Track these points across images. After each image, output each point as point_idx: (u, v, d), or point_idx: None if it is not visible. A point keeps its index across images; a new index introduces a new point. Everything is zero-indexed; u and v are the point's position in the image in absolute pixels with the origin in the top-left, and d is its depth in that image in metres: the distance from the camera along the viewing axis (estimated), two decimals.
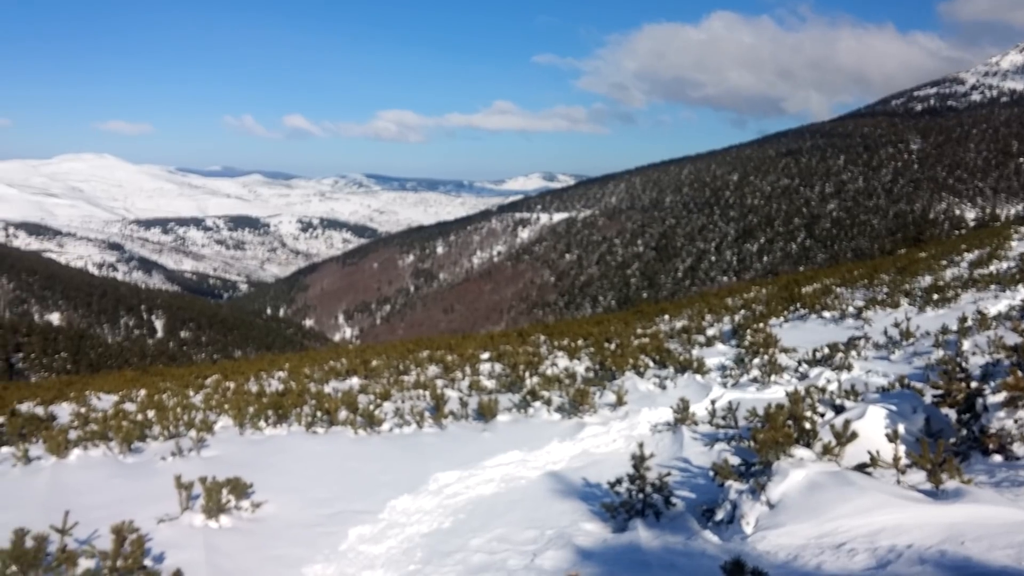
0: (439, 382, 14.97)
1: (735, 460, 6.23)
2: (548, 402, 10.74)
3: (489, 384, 13.98)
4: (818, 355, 12.36)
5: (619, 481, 6.07)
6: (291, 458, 8.74)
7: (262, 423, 10.70)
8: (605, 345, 17.65)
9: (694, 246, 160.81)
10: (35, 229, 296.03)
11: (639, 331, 20.63)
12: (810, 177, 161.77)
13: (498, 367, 16.61)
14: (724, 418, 8.60)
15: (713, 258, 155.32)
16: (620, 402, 10.29)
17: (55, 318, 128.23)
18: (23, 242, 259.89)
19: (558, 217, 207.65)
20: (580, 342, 19.25)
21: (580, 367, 15.11)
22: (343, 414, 10.68)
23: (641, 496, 5.84)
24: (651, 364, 14.01)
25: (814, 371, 11.30)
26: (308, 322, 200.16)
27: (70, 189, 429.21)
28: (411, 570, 5.58)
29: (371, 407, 10.92)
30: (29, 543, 4.65)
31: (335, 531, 6.36)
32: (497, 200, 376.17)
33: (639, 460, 5.91)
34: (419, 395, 13.30)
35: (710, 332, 17.94)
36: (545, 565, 5.22)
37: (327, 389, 15.20)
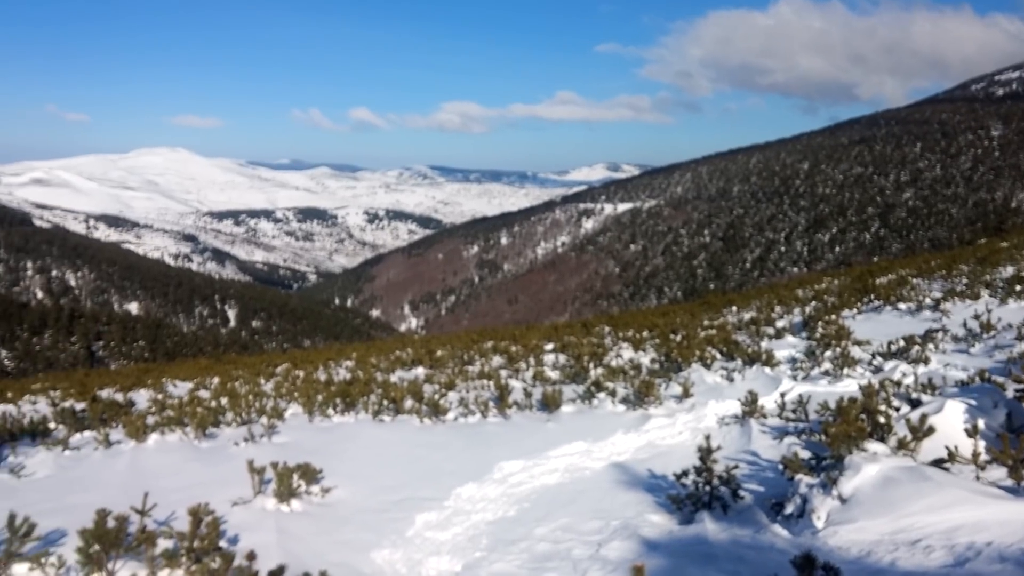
0: (503, 372, 15.03)
1: (805, 454, 6.11)
2: (613, 393, 10.69)
3: (553, 375, 13.98)
4: (893, 348, 12.00)
5: (685, 473, 6.02)
6: (359, 445, 8.89)
7: (330, 411, 10.92)
8: (671, 336, 17.47)
9: (763, 236, 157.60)
10: (114, 221, 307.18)
11: (706, 322, 20.36)
12: (884, 165, 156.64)
13: (562, 358, 16.59)
14: (794, 411, 8.42)
15: (783, 248, 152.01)
16: (686, 394, 10.18)
17: (133, 307, 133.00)
18: (103, 234, 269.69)
19: (623, 207, 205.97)
20: (645, 333, 19.09)
21: (645, 358, 14.99)
22: (409, 403, 10.83)
23: (708, 488, 5.79)
24: (718, 356, 13.81)
25: (889, 364, 10.98)
26: (374, 312, 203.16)
27: (146, 182, 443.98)
28: (476, 557, 5.63)
29: (436, 396, 11.04)
30: (111, 523, 4.84)
31: (402, 517, 6.46)
32: (561, 191, 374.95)
33: (706, 452, 5.85)
34: (483, 385, 13.38)
35: (780, 324, 17.59)
36: (610, 556, 5.22)
37: (393, 378, 15.41)
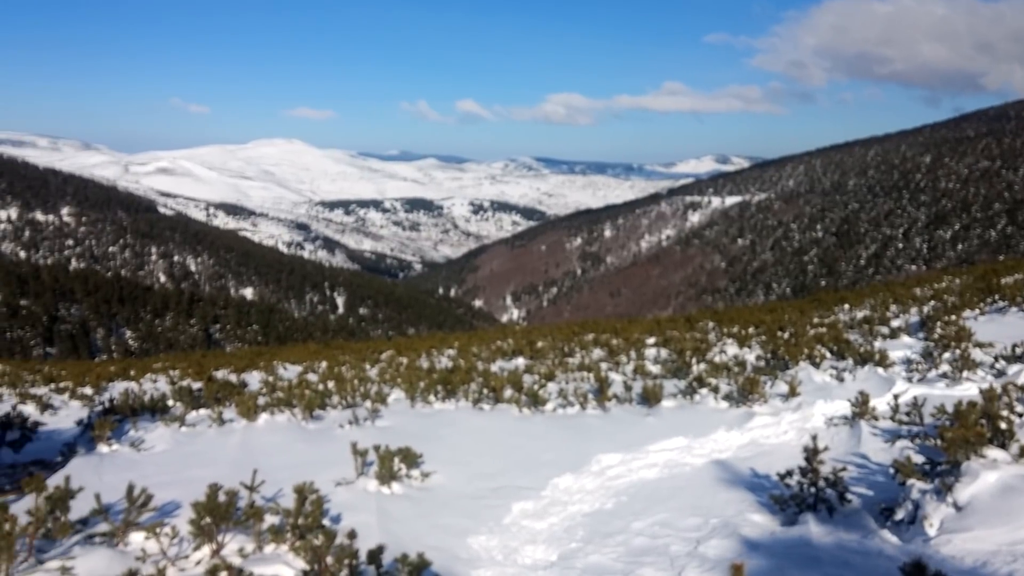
0: (603, 365, 14.92)
1: (919, 458, 5.79)
2: (715, 389, 10.44)
3: (654, 369, 13.77)
4: (1018, 351, 11.24)
5: (790, 473, 5.82)
6: (458, 432, 9.00)
7: (432, 397, 11.09)
8: (778, 334, 16.94)
9: (879, 232, 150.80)
10: (232, 209, 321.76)
11: (816, 320, 19.63)
12: (1014, 159, 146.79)
13: (664, 352, 16.34)
14: (908, 414, 8.00)
15: (900, 245, 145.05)
16: (793, 393, 9.84)
17: (248, 293, 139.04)
18: (221, 221, 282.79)
19: (731, 200, 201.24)
20: (751, 330, 18.58)
21: (750, 355, 14.58)
22: (508, 392, 10.88)
23: (813, 490, 5.57)
24: (828, 355, 13.29)
25: (1013, 368, 10.29)
26: (477, 302, 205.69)
27: (263, 172, 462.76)
28: (572, 548, 5.60)
29: (536, 387, 11.05)
30: (222, 498, 5.05)
31: (499, 505, 6.49)
32: (667, 183, 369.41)
33: (812, 453, 5.63)
34: (583, 377, 13.32)
35: (895, 323, 16.78)
36: (709, 553, 5.10)
37: (494, 368, 15.54)
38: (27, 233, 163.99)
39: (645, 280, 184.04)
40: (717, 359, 14.08)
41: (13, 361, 34.58)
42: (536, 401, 10.24)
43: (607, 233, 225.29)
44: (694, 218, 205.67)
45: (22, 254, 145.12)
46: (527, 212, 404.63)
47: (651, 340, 18.58)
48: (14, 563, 4.58)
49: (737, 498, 6.31)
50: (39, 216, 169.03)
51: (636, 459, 7.79)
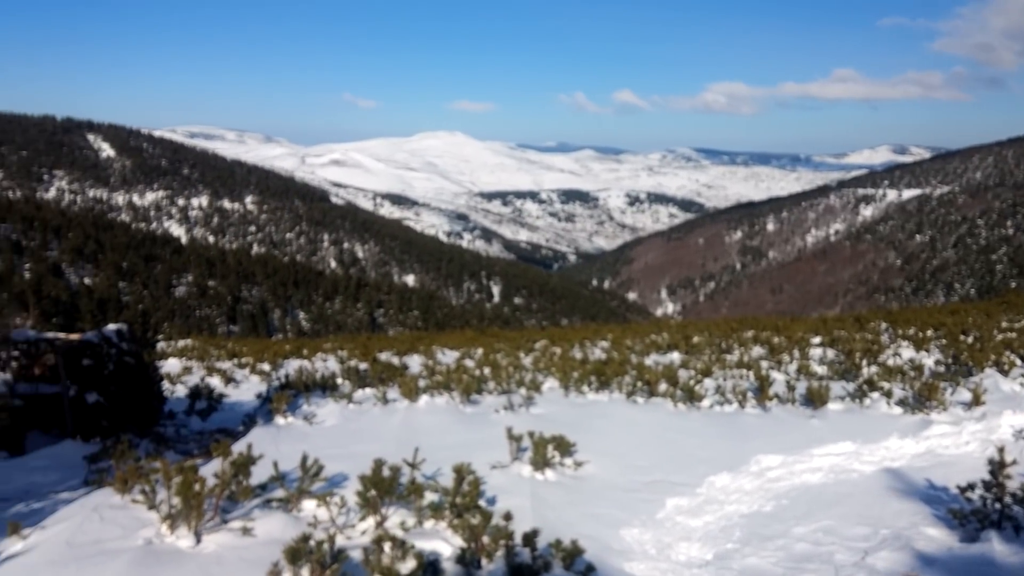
0: (764, 363, 14.40)
1: None
2: (888, 394, 9.82)
3: (819, 370, 13.14)
4: None
5: (971, 487, 5.40)
6: (611, 424, 8.96)
7: (585, 388, 11.10)
8: (961, 337, 15.72)
9: None
10: (397, 199, 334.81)
11: (1004, 324, 18.06)
12: None
13: (830, 353, 15.56)
14: None
15: None
16: (977, 401, 9.10)
17: (410, 279, 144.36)
18: (387, 211, 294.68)
19: (908, 194, 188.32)
20: (929, 332, 17.35)
21: (928, 359, 13.62)
22: (663, 387, 10.72)
23: (998, 506, 5.14)
24: (1018, 362, 12.20)
25: None
26: (631, 295, 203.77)
27: (426, 164, 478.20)
28: (728, 548, 5.45)
29: (691, 382, 10.82)
30: (386, 472, 5.29)
31: (653, 499, 6.42)
32: (837, 175, 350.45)
33: (998, 466, 5.19)
34: (741, 375, 12.91)
35: None
36: (878, 565, 4.82)
37: (648, 361, 15.35)
38: (215, 219, 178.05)
39: (810, 277, 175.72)
40: (890, 362, 13.26)
41: (201, 337, 37.69)
42: (692, 396, 10.03)
43: (770, 227, 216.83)
44: (866, 212, 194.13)
45: (211, 239, 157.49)
46: (684, 204, 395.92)
47: (816, 339, 17.73)
48: (202, 520, 4.99)
49: (910, 509, 5.92)
50: (226, 204, 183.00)
51: (799, 462, 7.46)
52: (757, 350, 16.95)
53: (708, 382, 11.97)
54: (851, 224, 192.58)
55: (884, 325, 19.92)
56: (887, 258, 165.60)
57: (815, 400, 9.70)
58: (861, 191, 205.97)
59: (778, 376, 12.68)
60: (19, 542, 5.20)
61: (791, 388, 10.21)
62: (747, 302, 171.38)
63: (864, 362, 13.16)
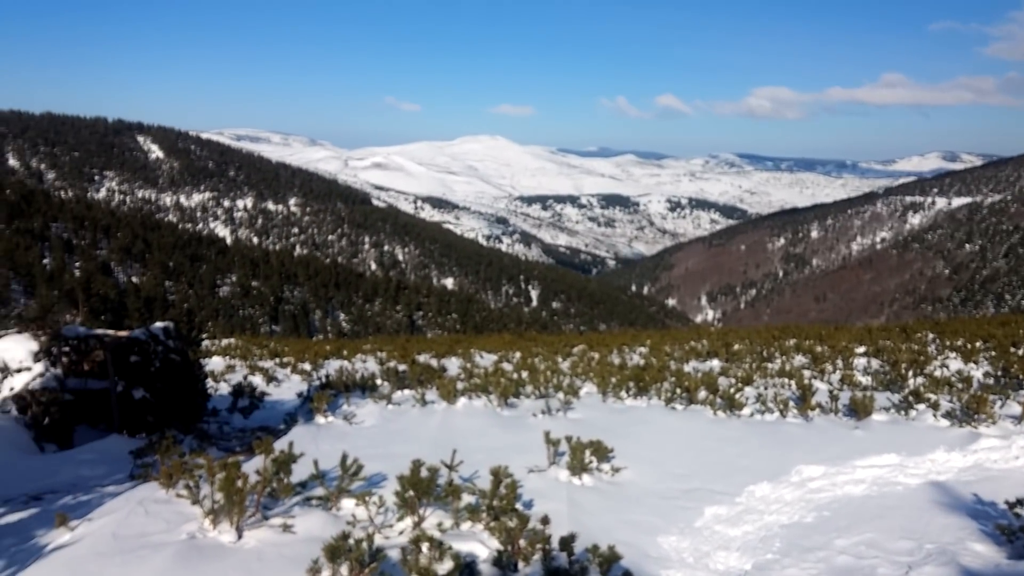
0: (806, 372, 14.20)
1: None
2: (935, 406, 9.61)
3: (863, 380, 12.91)
4: None
5: (1020, 502, 5.28)
6: (650, 430, 8.91)
7: (623, 393, 11.05)
8: (1011, 349, 15.34)
9: None
10: (438, 203, 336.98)
11: None
12: None
13: (875, 363, 15.29)
14: None
15: None
16: None
17: (449, 282, 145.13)
18: (428, 214, 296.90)
19: (958, 202, 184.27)
20: (978, 344, 16.96)
21: (977, 372, 13.31)
22: (702, 394, 10.62)
23: None
24: None
25: None
26: (670, 301, 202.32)
27: (467, 168, 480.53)
28: (768, 559, 5.38)
29: (732, 390, 10.71)
30: (424, 473, 5.32)
31: (691, 507, 6.36)
32: (884, 182, 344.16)
33: None
34: (783, 383, 12.74)
35: None
36: None
37: (687, 368, 15.23)
38: (260, 221, 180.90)
39: (855, 285, 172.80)
40: (937, 373, 12.99)
41: (244, 336, 38.30)
42: (732, 404, 9.93)
43: (814, 234, 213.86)
44: (914, 220, 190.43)
45: (255, 240, 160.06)
46: (727, 210, 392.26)
47: (860, 349, 17.44)
48: (244, 516, 5.07)
49: (956, 524, 5.79)
50: (270, 205, 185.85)
51: (841, 473, 7.34)
52: (799, 359, 16.72)
53: (749, 390, 11.83)
54: (898, 232, 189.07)
55: (931, 336, 19.52)
56: (935, 267, 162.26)
57: (859, 411, 9.53)
58: (909, 198, 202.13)
59: (821, 385, 12.49)
60: (67, 533, 5.34)
61: (834, 398, 10.04)
62: (789, 310, 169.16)
63: (910, 373, 12.90)
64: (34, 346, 9.35)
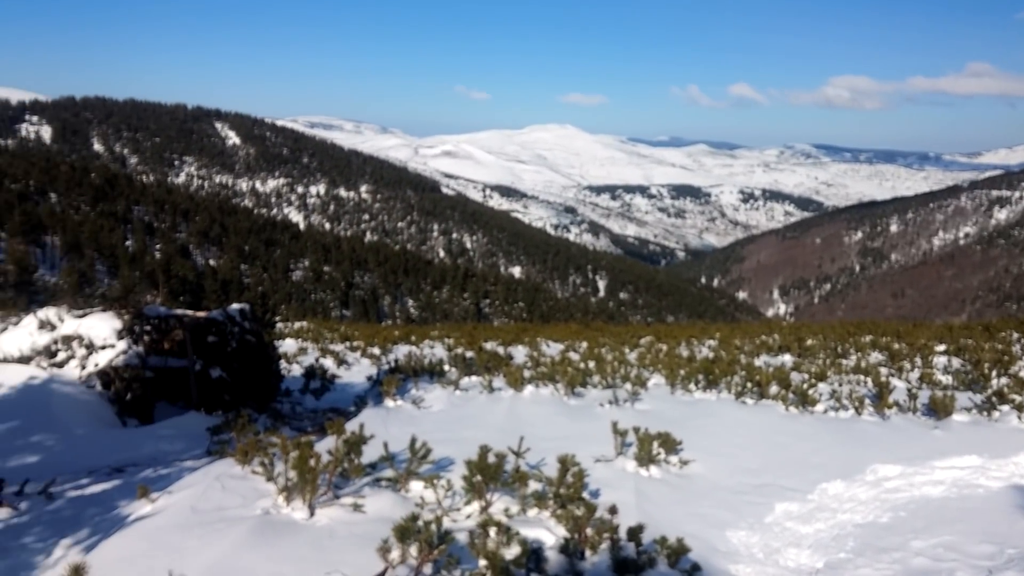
0: (883, 370, 13.78)
1: None
2: (1020, 407, 9.22)
3: (943, 379, 12.47)
4: None
5: None
6: (719, 423, 8.78)
7: (692, 386, 10.91)
8: None
9: None
10: (506, 191, 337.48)
11: None
12: None
13: (956, 362, 14.75)
14: None
15: None
16: None
17: (516, 271, 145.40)
18: (496, 203, 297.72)
19: None
20: None
21: None
22: (774, 389, 10.41)
23: None
24: None
25: None
26: (741, 294, 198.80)
27: (536, 156, 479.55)
28: (841, 558, 5.26)
29: (804, 385, 10.47)
30: (491, 459, 5.35)
31: (761, 502, 6.25)
32: (969, 175, 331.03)
33: None
34: (858, 380, 12.39)
35: None
36: None
37: (757, 362, 14.95)
38: (332, 207, 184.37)
39: (935, 281, 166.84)
40: (1022, 374, 12.45)
41: (315, 320, 39.15)
42: (805, 400, 9.70)
43: (893, 228, 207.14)
44: (1000, 215, 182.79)
45: (327, 226, 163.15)
46: (802, 202, 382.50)
47: (940, 347, 16.84)
48: (316, 495, 5.19)
49: None
50: (342, 192, 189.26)
51: (919, 474, 7.11)
52: (875, 356, 16.24)
53: (822, 386, 11.56)
54: (983, 227, 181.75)
55: (1016, 335, 18.72)
56: (1021, 264, 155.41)
57: (938, 410, 9.22)
58: (995, 192, 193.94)
59: (898, 383, 12.12)
60: (148, 505, 5.55)
61: (913, 397, 9.73)
62: (865, 306, 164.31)
63: (993, 373, 12.41)
64: (118, 324, 9.73)
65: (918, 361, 14.88)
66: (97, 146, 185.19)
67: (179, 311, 10.44)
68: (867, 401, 9.72)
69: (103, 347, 9.45)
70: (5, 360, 9.28)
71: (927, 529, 5.70)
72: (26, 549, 5.13)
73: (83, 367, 9.29)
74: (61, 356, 9.40)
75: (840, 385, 11.85)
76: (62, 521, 5.58)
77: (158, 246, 77.20)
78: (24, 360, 9.32)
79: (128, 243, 71.10)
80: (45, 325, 9.71)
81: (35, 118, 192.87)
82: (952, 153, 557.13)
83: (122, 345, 9.49)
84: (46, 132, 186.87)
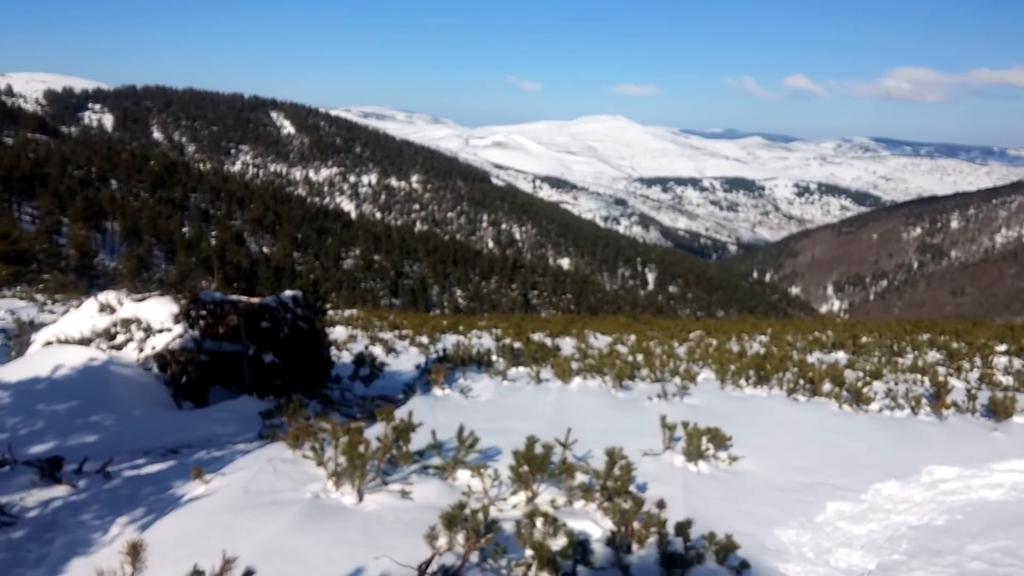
0: (940, 369, 13.43)
1: None
2: None
3: (1005, 380, 12.11)
4: None
5: None
6: (770, 420, 8.65)
7: (742, 381, 10.76)
8: None
9: None
10: (556, 183, 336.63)
11: None
12: None
13: (1017, 362, 14.31)
14: None
15: None
16: None
17: (565, 263, 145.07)
18: (546, 194, 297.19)
19: None
20: None
21: None
22: (827, 386, 10.22)
23: None
24: None
25: None
26: (794, 290, 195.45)
27: (586, 148, 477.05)
28: (894, 560, 5.14)
29: (859, 383, 10.25)
30: (538, 450, 5.35)
31: (812, 501, 6.14)
32: None
33: None
34: (915, 379, 12.10)
35: None
36: None
37: (810, 359, 14.69)
38: (383, 196, 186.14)
39: (997, 280, 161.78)
40: None
41: (365, 308, 39.60)
42: (859, 398, 9.50)
43: (953, 224, 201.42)
44: None
45: (378, 215, 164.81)
46: (859, 197, 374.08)
47: (1001, 347, 16.35)
48: (365, 480, 5.25)
49: None
50: (393, 182, 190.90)
51: (976, 476, 6.91)
52: (933, 355, 15.84)
53: (877, 385, 11.31)
54: None
55: None
56: None
57: (998, 412, 8.95)
58: None
59: (956, 383, 11.80)
60: (201, 486, 5.68)
61: (972, 397, 9.46)
62: (923, 303, 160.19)
63: None
64: (174, 309, 9.96)
65: (978, 361, 14.48)
66: (156, 134, 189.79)
67: (234, 297, 10.64)
68: (924, 401, 9.49)
69: (160, 331, 9.69)
70: (67, 341, 9.57)
71: (984, 533, 5.55)
72: (84, 526, 5.29)
73: (141, 350, 9.54)
74: (120, 339, 9.66)
75: (896, 384, 11.59)
76: (119, 499, 5.74)
77: (214, 233, 78.85)
78: (84, 342, 9.60)
79: (185, 229, 72.79)
80: (105, 308, 9.99)
81: (98, 106, 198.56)
82: (1017, 148, 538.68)
83: (178, 329, 9.72)
84: (108, 120, 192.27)
